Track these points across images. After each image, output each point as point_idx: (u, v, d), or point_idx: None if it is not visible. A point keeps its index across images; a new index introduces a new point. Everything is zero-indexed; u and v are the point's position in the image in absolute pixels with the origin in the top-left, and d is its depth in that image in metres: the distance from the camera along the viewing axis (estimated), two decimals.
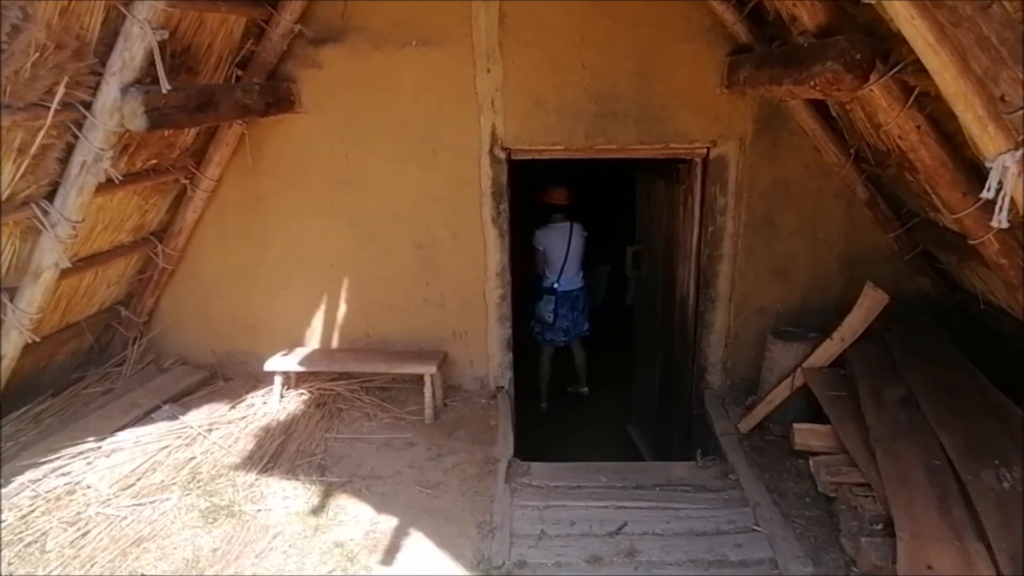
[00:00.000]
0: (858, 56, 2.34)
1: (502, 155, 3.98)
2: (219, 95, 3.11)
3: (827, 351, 3.66)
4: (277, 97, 3.71)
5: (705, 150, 3.87)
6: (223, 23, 3.43)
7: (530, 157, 4.06)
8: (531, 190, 5.27)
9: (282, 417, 4.00)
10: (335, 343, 4.49)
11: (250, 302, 4.47)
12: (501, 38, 3.73)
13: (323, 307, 4.44)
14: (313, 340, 4.50)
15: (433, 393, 4.08)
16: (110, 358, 4.50)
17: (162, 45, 2.99)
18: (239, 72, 3.77)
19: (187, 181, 4.02)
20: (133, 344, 4.49)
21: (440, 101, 3.90)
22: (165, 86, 2.67)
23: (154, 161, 3.62)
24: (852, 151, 3.64)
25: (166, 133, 3.52)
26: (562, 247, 5.32)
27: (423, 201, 4.12)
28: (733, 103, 3.72)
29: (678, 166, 4.10)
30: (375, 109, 3.95)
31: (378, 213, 4.18)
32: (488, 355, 4.44)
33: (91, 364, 4.39)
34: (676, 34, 3.62)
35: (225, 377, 4.54)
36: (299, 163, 4.12)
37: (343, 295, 4.40)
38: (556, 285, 5.39)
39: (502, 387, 4.52)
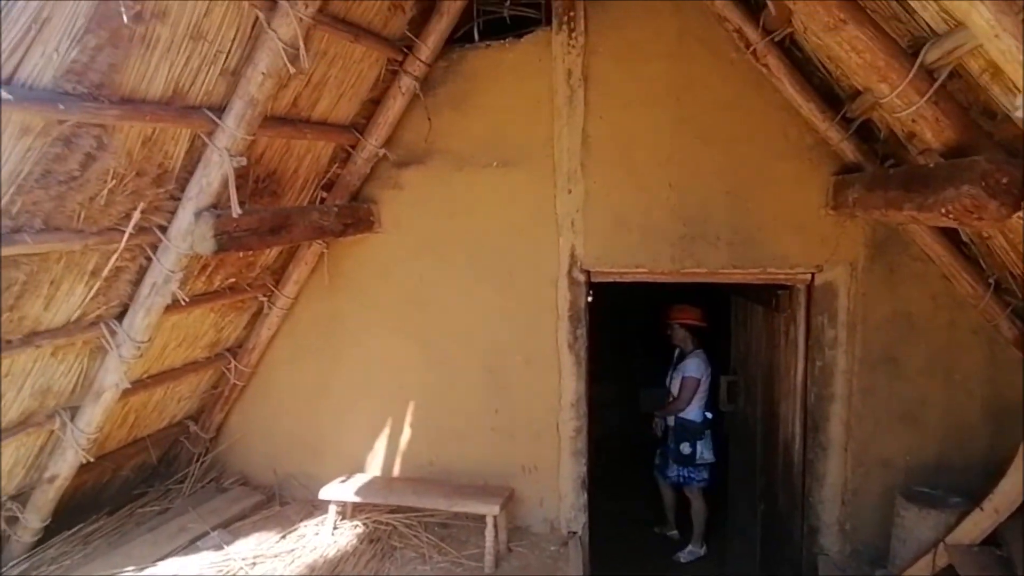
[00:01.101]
0: (1004, 180, 1.93)
1: (581, 277, 3.73)
2: (294, 217, 3.10)
3: (977, 525, 2.96)
4: (356, 218, 3.70)
5: (809, 276, 3.45)
6: (310, 149, 3.51)
7: (611, 280, 3.78)
8: (616, 312, 4.96)
9: (331, 553, 3.67)
10: (396, 470, 4.19)
11: (315, 422, 4.31)
12: (583, 158, 3.60)
13: (387, 431, 4.20)
14: (374, 466, 4.23)
15: (496, 536, 3.64)
16: (175, 473, 4.41)
17: (245, 170, 3.05)
18: (324, 194, 3.82)
19: (265, 299, 4.02)
20: (197, 460, 4.39)
21: (518, 221, 3.76)
22: (236, 211, 2.66)
23: (233, 279, 3.64)
24: (992, 281, 3.10)
25: (241, 254, 3.55)
26: (707, 374, 4.90)
27: (496, 323, 3.90)
28: (841, 225, 3.33)
29: (778, 292, 3.68)
30: (453, 229, 3.86)
31: (449, 334, 3.99)
32: (560, 494, 3.97)
33: (156, 479, 4.31)
34: (773, 152, 3.34)
35: (283, 500, 4.31)
36: (374, 281, 4.05)
37: (408, 419, 4.15)
38: (710, 416, 4.94)
39: (575, 532, 4.00)
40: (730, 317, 4.68)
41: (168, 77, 2.39)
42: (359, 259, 4.04)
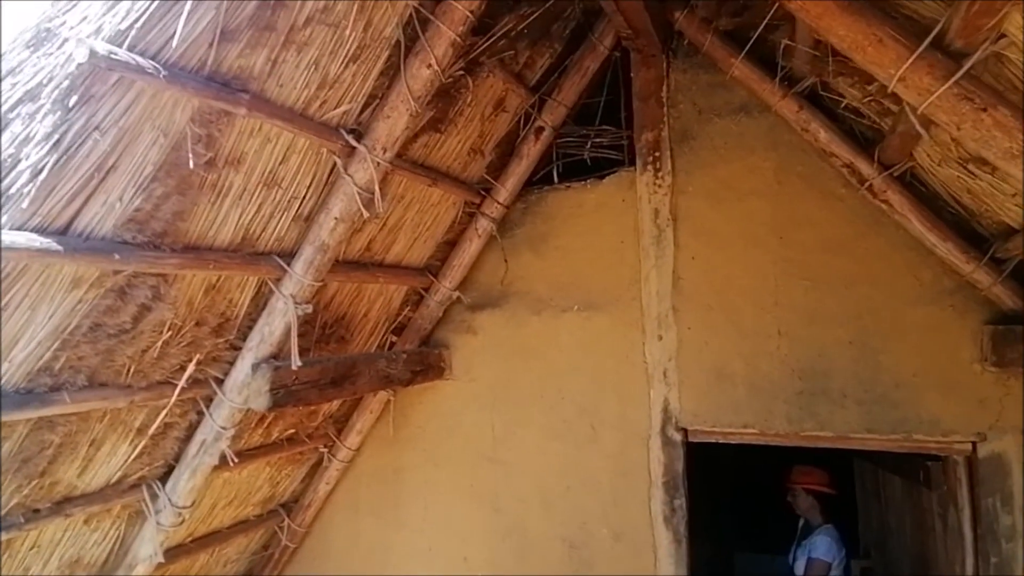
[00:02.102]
0: None
1: (677, 436, 3.22)
2: (360, 367, 2.84)
3: None
4: (426, 364, 3.42)
5: (969, 446, 2.80)
6: (381, 292, 3.34)
7: (713, 440, 3.24)
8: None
9: None
10: None
11: None
12: (675, 302, 3.23)
13: None
14: None
15: None
16: None
17: (312, 316, 2.87)
18: (393, 338, 3.60)
19: (326, 450, 3.71)
20: None
21: (602, 370, 3.36)
22: (296, 363, 2.42)
23: (292, 431, 3.37)
24: None
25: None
26: (841, 557, 3.98)
27: (577, 488, 3.38)
28: (1005, 386, 2.73)
29: (926, 463, 3.02)
30: (529, 377, 3.50)
31: (524, 498, 3.49)
32: None
33: None
34: (903, 297, 2.86)
35: None
36: (442, 434, 3.68)
37: None
38: None
39: None
40: (854, 484, 3.94)
41: (238, 224, 2.27)
42: (428, 408, 3.71)
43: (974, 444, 2.79)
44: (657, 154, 3.27)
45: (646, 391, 3.27)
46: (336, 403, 3.62)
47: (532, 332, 3.50)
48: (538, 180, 3.57)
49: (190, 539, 3.21)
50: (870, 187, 2.78)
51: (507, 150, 3.36)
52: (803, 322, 3.02)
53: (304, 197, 2.44)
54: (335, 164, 2.42)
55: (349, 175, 2.35)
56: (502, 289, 3.59)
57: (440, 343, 3.67)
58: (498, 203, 3.39)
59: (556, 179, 3.55)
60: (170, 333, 2.23)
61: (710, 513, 6.73)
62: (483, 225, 3.42)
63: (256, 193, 2.24)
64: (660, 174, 3.27)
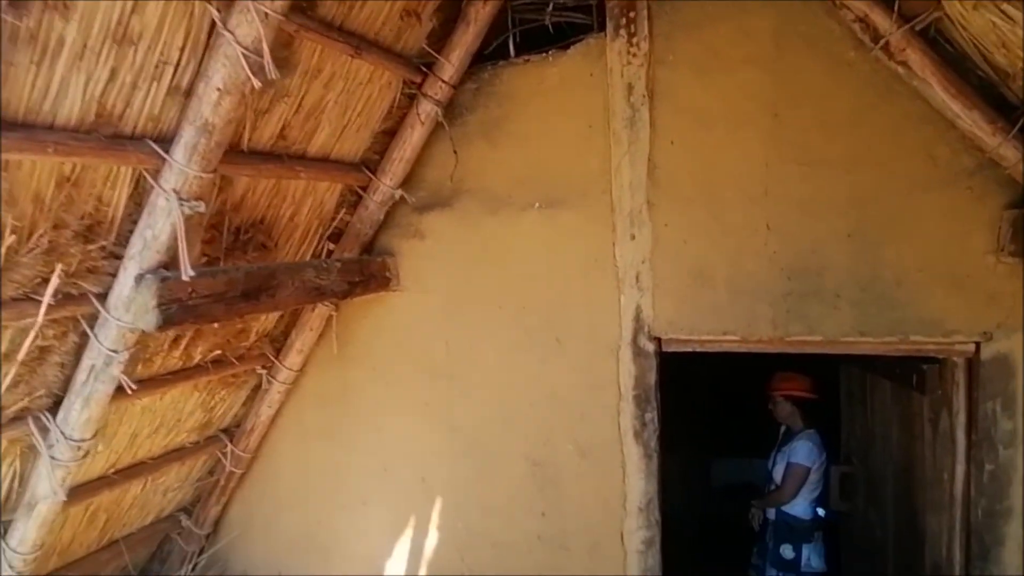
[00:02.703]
0: None
1: (650, 346, 2.89)
2: (280, 277, 2.41)
3: None
4: (366, 275, 3.01)
5: (972, 347, 2.50)
6: (310, 192, 2.86)
7: (689, 350, 2.92)
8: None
9: None
10: None
11: (326, 518, 3.56)
12: (650, 195, 2.80)
13: (409, 533, 3.40)
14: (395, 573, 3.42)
15: None
16: (169, 573, 3.74)
17: (218, 220, 2.41)
18: (331, 246, 3.17)
19: (264, 372, 3.35)
20: (190, 561, 3.70)
21: (568, 276, 2.97)
22: (187, 272, 1.99)
23: (218, 352, 2.98)
24: None
25: (236, 320, 2.90)
26: (821, 461, 3.90)
27: (541, 403, 3.08)
28: (1020, 277, 2.39)
29: (921, 366, 2.73)
30: (486, 285, 3.11)
31: (484, 416, 3.20)
32: None
33: None
34: (915, 180, 2.46)
35: None
36: (392, 350, 3.33)
37: (434, 520, 3.34)
38: (822, 514, 3.93)
39: None
40: (838, 388, 3.70)
41: (86, 96, 1.76)
42: (375, 323, 3.33)
43: (978, 345, 2.49)
44: (632, 15, 2.73)
45: (616, 298, 2.91)
46: (271, 320, 3.23)
47: (488, 235, 3.08)
48: (491, 54, 3.02)
49: (112, 470, 2.90)
50: (886, 46, 2.31)
51: (451, 15, 2.79)
52: (796, 214, 2.63)
53: (179, 63, 1.91)
54: (213, 22, 1.88)
55: (229, 31, 1.82)
56: (452, 186, 3.13)
57: (385, 250, 3.24)
58: (443, 82, 2.86)
59: (512, 52, 3.00)
60: (14, 238, 1.77)
61: (686, 420, 6.64)
62: (426, 109, 2.90)
63: (104, 52, 1.71)
64: (635, 40, 2.74)
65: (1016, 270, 2.37)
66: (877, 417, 3.26)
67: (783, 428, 4.17)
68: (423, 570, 3.37)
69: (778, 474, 4.10)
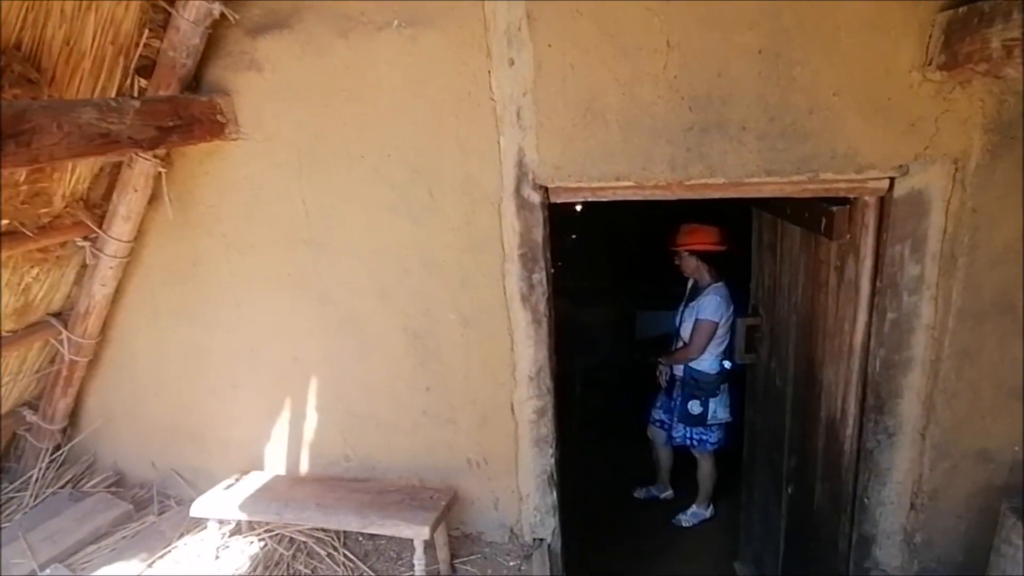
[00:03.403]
0: None
1: (535, 197, 2.49)
2: (37, 119, 1.81)
3: None
4: (186, 118, 2.41)
5: (886, 183, 2.21)
6: (88, 6, 2.18)
7: (579, 199, 2.55)
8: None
9: None
10: (304, 467, 3.13)
11: (193, 404, 3.22)
12: (530, 8, 2.26)
13: (286, 416, 3.10)
14: (276, 460, 3.17)
15: (427, 563, 2.64)
16: (24, 474, 3.38)
17: None
18: (143, 83, 2.53)
19: (87, 244, 2.81)
20: (47, 457, 3.33)
21: (438, 114, 2.47)
22: None
23: (6, 222, 2.41)
24: None
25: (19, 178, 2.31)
26: (728, 315, 3.81)
27: (418, 269, 2.70)
28: (945, 98, 2.05)
29: (831, 208, 2.45)
30: (342, 130, 2.58)
31: (355, 286, 2.80)
32: (520, 494, 2.93)
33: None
34: None
35: (164, 505, 3.29)
36: (242, 213, 2.82)
37: (312, 401, 3.04)
38: (728, 367, 3.92)
39: (542, 540, 2.99)
40: (750, 236, 3.46)
41: None
42: (216, 181, 2.79)
43: (892, 181, 2.20)
44: None
45: (495, 139, 2.45)
46: (83, 180, 2.65)
47: (339, 63, 2.50)
48: None
49: None
50: None
51: None
52: (702, 27, 2.16)
53: None
54: None
55: None
56: (292, 3, 2.48)
57: (217, 87, 2.62)
58: None
59: None
60: None
61: (615, 275, 6.50)
62: None
63: None
64: None
65: (942, 88, 2.03)
66: (785, 266, 3.05)
67: (690, 282, 3.99)
68: (304, 453, 3.12)
69: (686, 331, 3.97)
